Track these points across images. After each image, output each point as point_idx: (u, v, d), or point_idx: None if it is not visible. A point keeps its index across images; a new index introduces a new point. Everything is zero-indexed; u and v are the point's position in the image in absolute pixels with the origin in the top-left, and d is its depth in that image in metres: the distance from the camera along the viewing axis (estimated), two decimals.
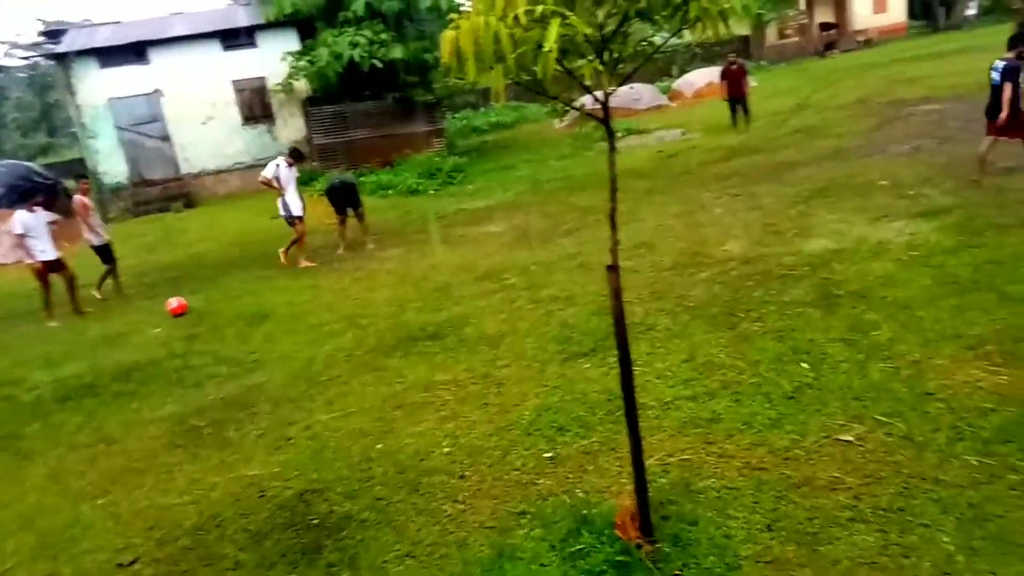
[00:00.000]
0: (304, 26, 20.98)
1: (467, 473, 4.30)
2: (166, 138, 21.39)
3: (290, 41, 21.11)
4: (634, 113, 24.54)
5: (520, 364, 5.79)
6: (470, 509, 3.93)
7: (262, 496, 4.46)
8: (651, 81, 29.05)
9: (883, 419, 4.07)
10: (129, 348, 8.05)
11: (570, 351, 5.84)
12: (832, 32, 37.88)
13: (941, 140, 11.45)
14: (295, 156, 10.92)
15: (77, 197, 10.51)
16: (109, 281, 10.87)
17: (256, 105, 21.99)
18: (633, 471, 3.30)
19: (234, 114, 21.89)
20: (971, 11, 41.07)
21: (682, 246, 8.29)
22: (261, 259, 11.93)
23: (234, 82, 21.64)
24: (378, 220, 13.09)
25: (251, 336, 7.77)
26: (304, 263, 10.79)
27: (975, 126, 11.92)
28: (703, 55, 34.39)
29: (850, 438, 3.95)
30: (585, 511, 3.61)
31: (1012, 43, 8.47)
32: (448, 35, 2.58)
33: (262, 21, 21.16)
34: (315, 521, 4.09)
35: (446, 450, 4.62)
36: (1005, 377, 4.27)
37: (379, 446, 4.83)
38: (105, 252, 10.70)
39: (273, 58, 20.56)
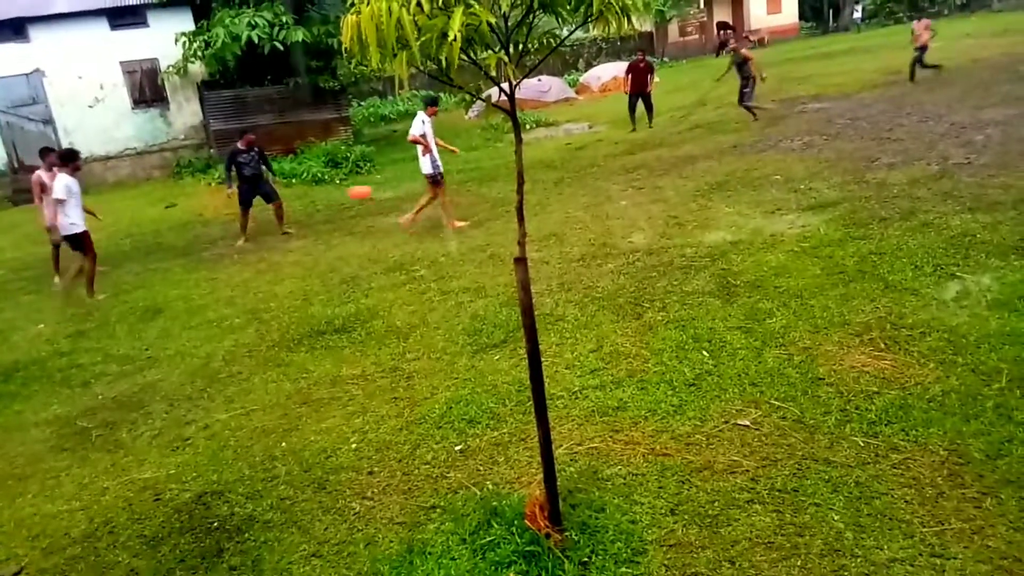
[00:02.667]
0: (199, 6, 20.00)
1: (375, 469, 4.23)
2: (49, 121, 19.90)
3: (184, 21, 20.07)
4: (543, 105, 24.76)
5: (430, 357, 5.75)
6: (379, 505, 3.87)
7: (157, 500, 4.26)
8: (559, 74, 29.36)
9: (777, 403, 4.27)
10: (9, 346, 7.51)
11: (480, 343, 5.84)
12: (728, 32, 39.35)
13: (829, 137, 12.07)
14: (433, 103, 10.00)
15: None
16: None
17: (148, 88, 20.85)
18: (542, 461, 3.32)
19: (124, 97, 20.69)
20: (857, 14, 43.55)
21: (590, 237, 8.42)
22: (155, 250, 11.36)
23: (123, 63, 20.42)
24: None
25: (144, 332, 7.39)
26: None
27: (860, 124, 12.71)
28: (609, 50, 35.08)
29: (747, 422, 4.12)
30: (495, 503, 3.61)
31: None
32: (349, 20, 2.51)
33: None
34: (215, 524, 3.93)
35: (354, 446, 4.53)
36: (888, 362, 4.55)
37: (283, 444, 4.69)
38: None
39: (166, 39, 19.46)
